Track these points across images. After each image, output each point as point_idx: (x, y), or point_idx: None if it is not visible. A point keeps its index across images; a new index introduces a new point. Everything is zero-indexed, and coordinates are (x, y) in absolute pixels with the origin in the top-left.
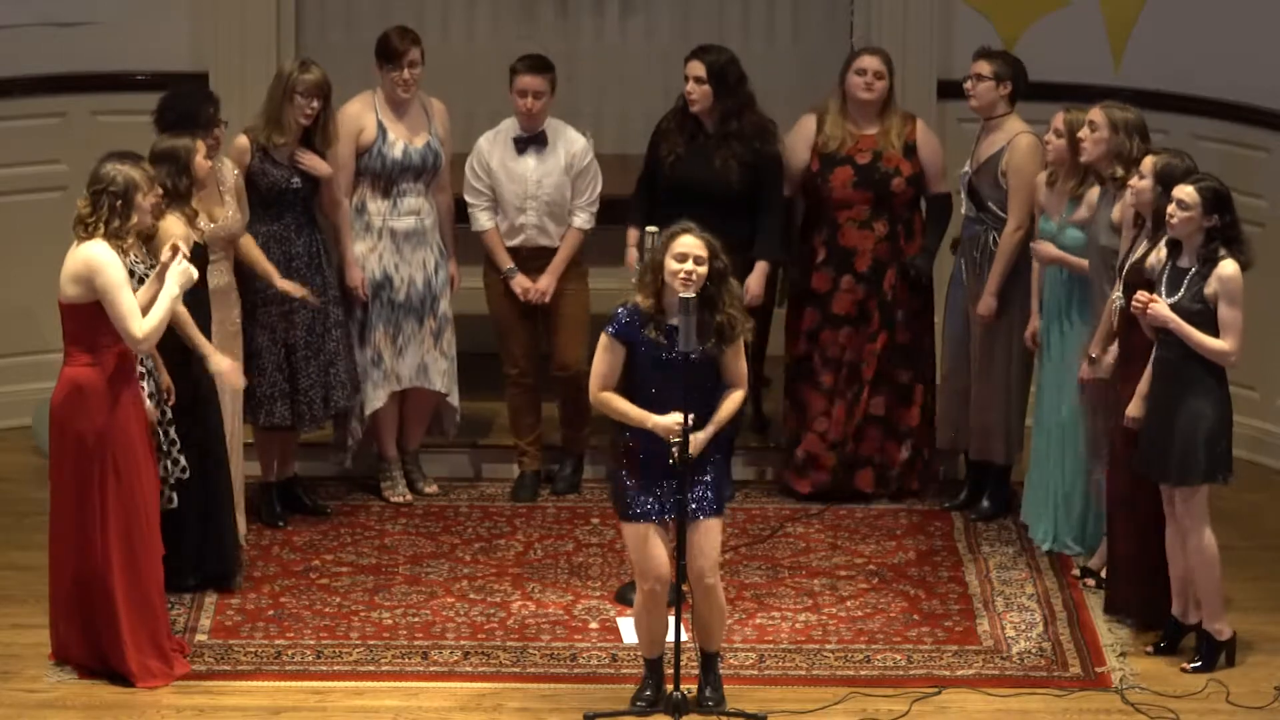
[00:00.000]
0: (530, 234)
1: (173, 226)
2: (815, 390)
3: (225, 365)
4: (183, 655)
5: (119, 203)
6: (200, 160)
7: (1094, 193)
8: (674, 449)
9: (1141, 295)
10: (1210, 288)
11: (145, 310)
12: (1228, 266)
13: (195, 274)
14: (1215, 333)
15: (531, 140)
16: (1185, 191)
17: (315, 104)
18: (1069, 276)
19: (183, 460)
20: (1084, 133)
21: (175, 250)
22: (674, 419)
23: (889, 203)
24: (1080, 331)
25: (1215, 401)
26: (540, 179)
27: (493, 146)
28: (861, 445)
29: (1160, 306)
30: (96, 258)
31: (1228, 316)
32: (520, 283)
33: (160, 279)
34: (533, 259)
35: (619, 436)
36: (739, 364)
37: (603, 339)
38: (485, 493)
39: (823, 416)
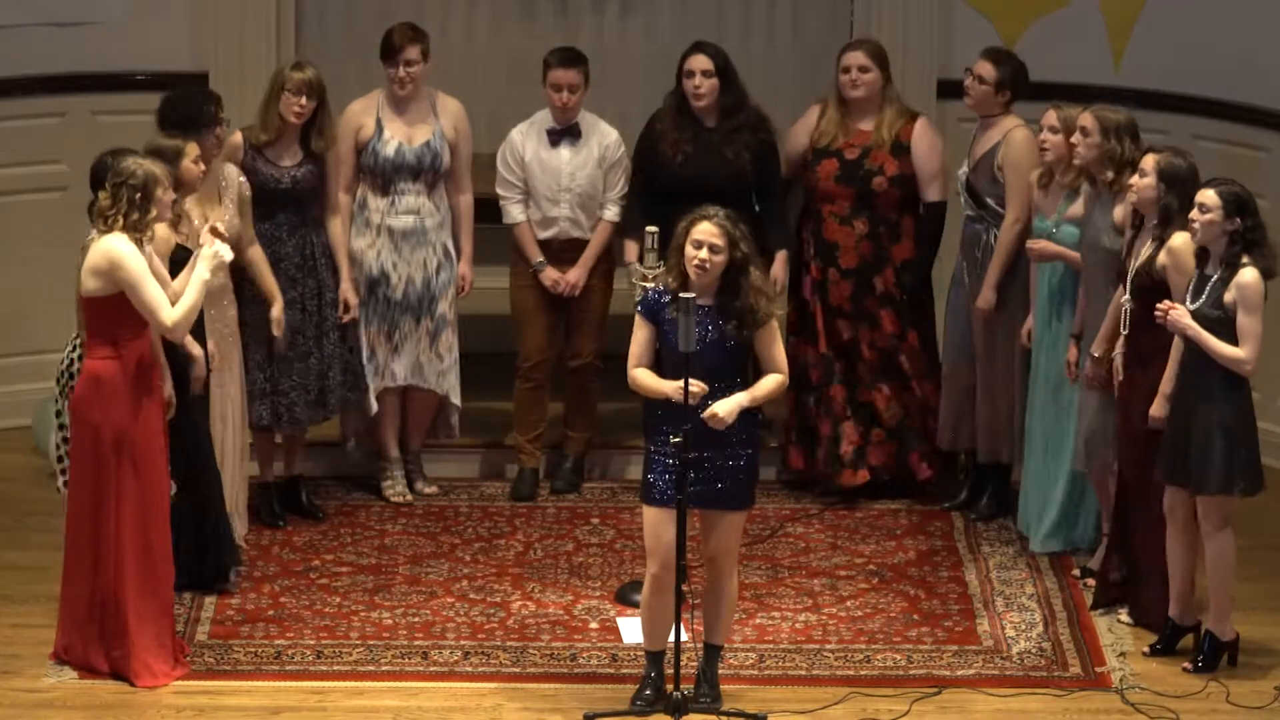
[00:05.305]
0: (563, 226)
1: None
2: (836, 381)
3: (198, 371)
4: (183, 655)
5: (138, 196)
6: (188, 165)
7: (1086, 189)
8: (680, 430)
9: (1163, 303)
10: (1229, 295)
11: (178, 298)
12: (1247, 274)
13: (227, 257)
14: (1234, 340)
15: (565, 132)
16: (1206, 195)
17: (303, 100)
18: (1060, 277)
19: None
20: (1076, 138)
21: (214, 232)
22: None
23: (870, 201)
24: (1068, 331)
25: (1235, 410)
26: (574, 171)
27: (525, 138)
28: (926, 444)
29: (1180, 314)
30: (117, 250)
31: (1245, 324)
32: (550, 275)
33: (194, 265)
34: (565, 251)
35: (648, 417)
36: (774, 350)
37: (636, 317)
38: (485, 493)
39: (857, 405)
